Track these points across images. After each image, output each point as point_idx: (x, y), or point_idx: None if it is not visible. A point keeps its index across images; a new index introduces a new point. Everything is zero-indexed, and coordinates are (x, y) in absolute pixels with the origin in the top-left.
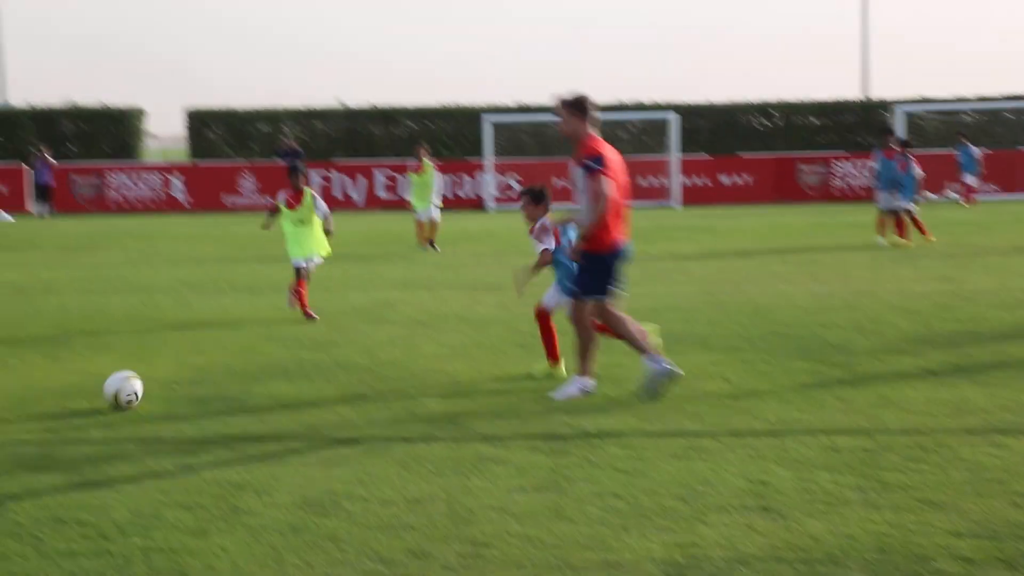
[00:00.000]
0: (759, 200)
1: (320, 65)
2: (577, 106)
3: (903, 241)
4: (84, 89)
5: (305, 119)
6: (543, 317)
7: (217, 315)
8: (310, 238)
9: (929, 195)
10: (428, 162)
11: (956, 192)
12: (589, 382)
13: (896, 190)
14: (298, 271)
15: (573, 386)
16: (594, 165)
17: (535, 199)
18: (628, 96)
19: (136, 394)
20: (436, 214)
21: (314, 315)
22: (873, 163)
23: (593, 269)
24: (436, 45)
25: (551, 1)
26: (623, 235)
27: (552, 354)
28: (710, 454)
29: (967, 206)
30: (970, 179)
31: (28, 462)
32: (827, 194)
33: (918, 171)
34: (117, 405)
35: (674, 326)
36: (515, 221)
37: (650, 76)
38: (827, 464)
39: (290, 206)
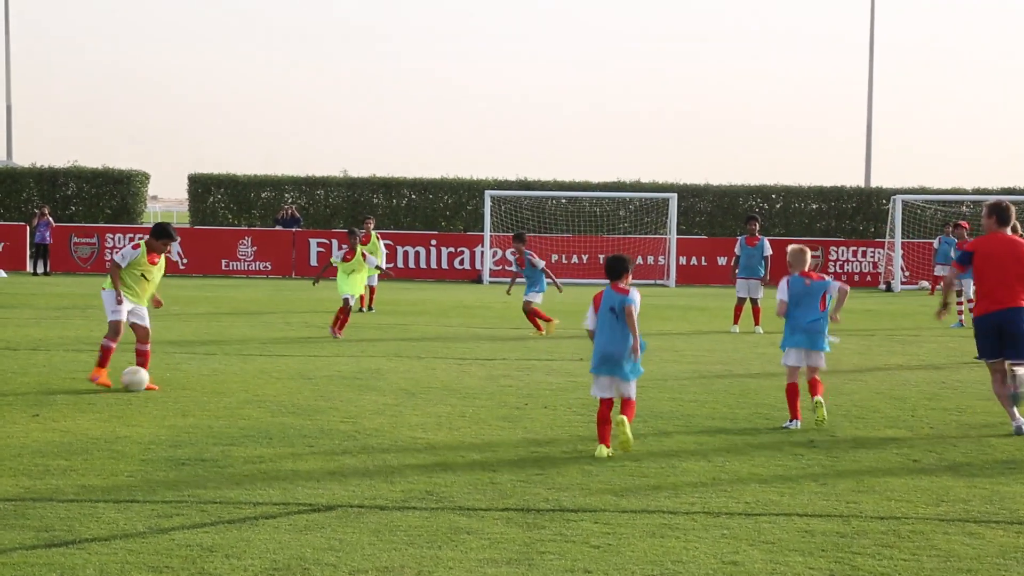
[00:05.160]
0: None
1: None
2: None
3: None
4: (90, 152)
5: (307, 187)
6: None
7: (204, 377)
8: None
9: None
10: (374, 233)
11: (927, 282)
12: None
13: (754, 278)
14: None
15: None
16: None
17: None
18: (628, 175)
19: None
20: (375, 281)
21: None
22: (737, 250)
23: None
24: (439, 118)
25: (555, 78)
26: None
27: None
28: (684, 532)
29: (931, 295)
30: (939, 270)
31: None
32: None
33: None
34: None
35: (660, 404)
36: (510, 296)
37: (651, 157)
38: (800, 547)
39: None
